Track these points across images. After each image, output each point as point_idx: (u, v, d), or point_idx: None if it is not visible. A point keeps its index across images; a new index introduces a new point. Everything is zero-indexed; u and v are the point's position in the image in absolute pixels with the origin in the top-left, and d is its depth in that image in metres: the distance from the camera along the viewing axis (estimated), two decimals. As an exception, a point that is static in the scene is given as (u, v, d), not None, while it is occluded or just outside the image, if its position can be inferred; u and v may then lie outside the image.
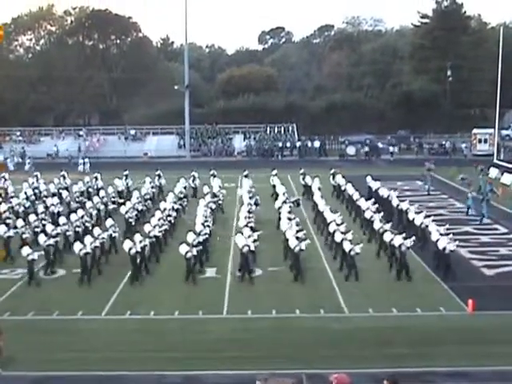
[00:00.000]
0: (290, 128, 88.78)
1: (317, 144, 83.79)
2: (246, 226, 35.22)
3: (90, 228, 37.14)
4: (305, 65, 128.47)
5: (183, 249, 31.10)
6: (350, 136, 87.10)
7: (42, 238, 33.22)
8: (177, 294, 29.69)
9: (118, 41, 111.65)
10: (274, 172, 52.82)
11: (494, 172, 60.71)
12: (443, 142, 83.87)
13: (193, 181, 51.89)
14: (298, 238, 32.26)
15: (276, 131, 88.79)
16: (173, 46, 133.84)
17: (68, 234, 36.05)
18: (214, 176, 52.33)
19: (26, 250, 31.45)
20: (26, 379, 21.52)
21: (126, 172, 53.61)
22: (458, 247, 32.28)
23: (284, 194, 43.92)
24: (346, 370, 19.14)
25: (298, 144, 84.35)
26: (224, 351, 23.14)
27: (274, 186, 49.87)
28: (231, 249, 36.42)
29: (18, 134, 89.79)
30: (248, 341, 24.12)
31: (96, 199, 43.89)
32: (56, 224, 36.66)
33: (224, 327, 25.59)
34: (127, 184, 51.39)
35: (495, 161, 59.23)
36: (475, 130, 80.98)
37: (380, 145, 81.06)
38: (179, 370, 21.75)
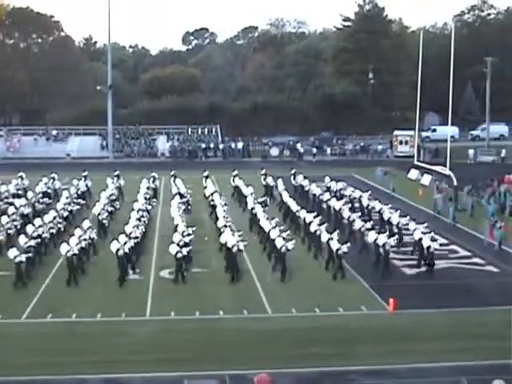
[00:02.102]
0: (214, 129, 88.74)
1: (240, 145, 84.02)
2: (225, 226, 34.92)
3: (63, 230, 37.57)
4: (228, 66, 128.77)
5: (173, 249, 30.99)
6: (274, 137, 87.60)
7: (22, 239, 32.75)
8: (100, 296, 29.35)
9: (40, 40, 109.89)
10: (235, 172, 52.14)
11: (414, 173, 61.78)
12: (361, 144, 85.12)
13: (153, 181, 51.19)
14: (284, 238, 32.25)
15: (200, 132, 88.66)
16: (96, 46, 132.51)
17: (44, 235, 35.30)
18: (175, 177, 51.37)
19: (13, 252, 30.76)
20: None
21: (86, 173, 52.54)
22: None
23: (252, 194, 43.96)
24: (269, 370, 19.32)
25: (222, 145, 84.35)
26: (147, 353, 22.98)
27: (235, 187, 49.69)
28: (154, 250, 36.37)
29: None
30: (171, 343, 24.00)
31: (62, 200, 43.51)
32: (32, 225, 35.98)
33: (147, 329, 25.40)
34: (87, 185, 50.78)
35: (415, 162, 60.18)
36: (396, 132, 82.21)
37: (299, 146, 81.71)
38: (100, 373, 21.52)
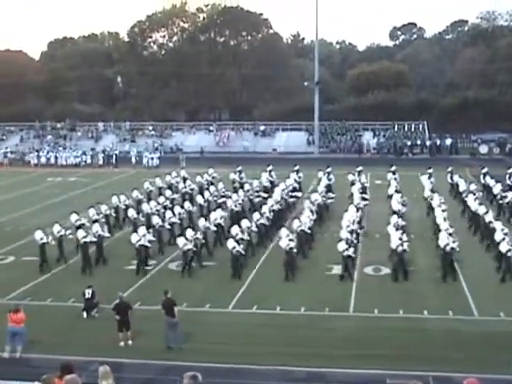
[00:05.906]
0: (421, 125, 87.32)
1: (448, 142, 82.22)
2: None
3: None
4: (436, 61, 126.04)
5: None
6: (483, 134, 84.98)
7: (234, 230, 33.68)
8: (302, 290, 29.67)
9: (249, 37, 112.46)
10: (450, 168, 51.53)
11: None
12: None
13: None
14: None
15: (406, 128, 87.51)
16: (303, 43, 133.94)
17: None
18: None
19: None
20: (150, 367, 22.03)
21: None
22: None
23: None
24: (474, 374, 18.61)
25: (429, 142, 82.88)
26: (349, 349, 22.96)
27: (455, 186, 48.63)
28: (359, 246, 36.13)
29: (151, 128, 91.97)
30: (374, 340, 23.83)
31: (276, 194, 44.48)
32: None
33: (350, 325, 25.41)
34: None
35: None
36: None
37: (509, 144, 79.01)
38: (304, 365, 21.73)
